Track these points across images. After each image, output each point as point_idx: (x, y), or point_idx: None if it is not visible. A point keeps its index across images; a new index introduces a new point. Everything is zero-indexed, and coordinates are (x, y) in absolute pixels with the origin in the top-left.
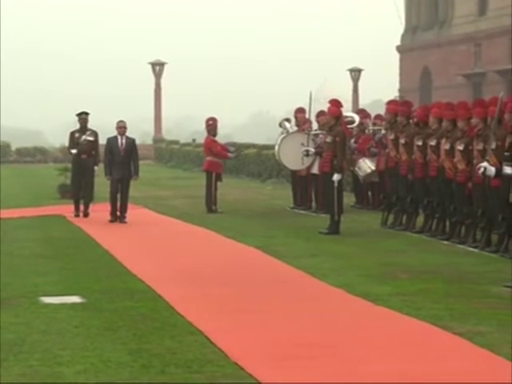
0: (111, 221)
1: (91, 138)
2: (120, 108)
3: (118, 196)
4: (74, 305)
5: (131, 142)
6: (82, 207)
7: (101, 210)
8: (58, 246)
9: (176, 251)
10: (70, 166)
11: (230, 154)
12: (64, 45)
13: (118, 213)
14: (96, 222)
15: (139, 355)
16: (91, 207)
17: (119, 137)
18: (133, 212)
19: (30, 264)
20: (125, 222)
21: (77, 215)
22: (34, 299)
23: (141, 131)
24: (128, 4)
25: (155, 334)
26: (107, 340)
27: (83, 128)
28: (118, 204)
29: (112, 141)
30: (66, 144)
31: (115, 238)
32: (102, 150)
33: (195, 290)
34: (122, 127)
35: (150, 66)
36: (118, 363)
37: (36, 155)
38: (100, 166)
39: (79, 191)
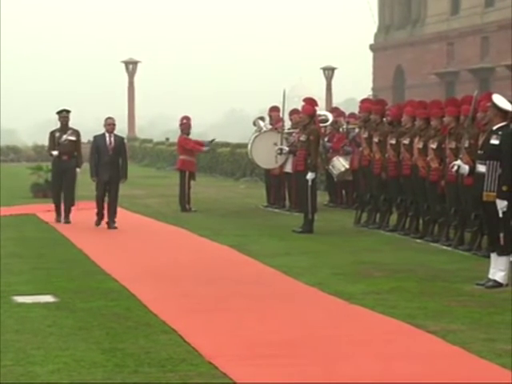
0: (97, 224)
1: (73, 138)
2: (93, 106)
3: (105, 199)
4: (47, 304)
5: (120, 141)
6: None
7: (85, 208)
8: (32, 245)
9: (150, 250)
10: (43, 165)
11: (204, 148)
12: (37, 44)
13: (106, 218)
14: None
15: (113, 354)
16: (72, 211)
17: (107, 135)
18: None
19: (3, 263)
20: (115, 228)
21: (58, 221)
22: (6, 298)
23: None
24: (101, 3)
25: (129, 333)
26: (80, 339)
27: (64, 127)
28: (106, 208)
29: (99, 139)
30: (39, 143)
31: (89, 238)
32: (84, 151)
33: (169, 289)
34: (110, 124)
35: (123, 65)
36: (91, 363)
37: (9, 154)
38: (83, 168)
39: (60, 195)
